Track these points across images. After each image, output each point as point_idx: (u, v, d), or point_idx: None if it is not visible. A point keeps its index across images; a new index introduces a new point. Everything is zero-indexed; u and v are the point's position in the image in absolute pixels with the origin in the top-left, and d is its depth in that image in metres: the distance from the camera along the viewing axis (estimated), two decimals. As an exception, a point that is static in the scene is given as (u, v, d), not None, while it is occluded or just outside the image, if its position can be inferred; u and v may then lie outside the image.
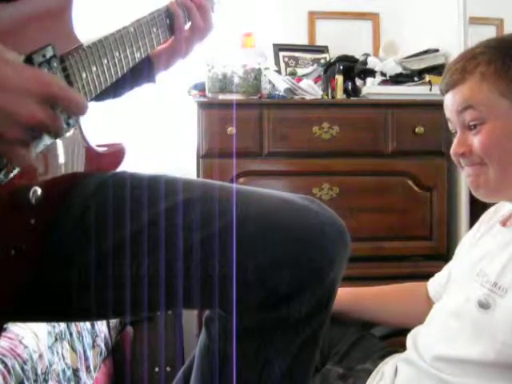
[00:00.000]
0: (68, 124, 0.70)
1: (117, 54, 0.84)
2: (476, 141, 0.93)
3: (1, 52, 0.60)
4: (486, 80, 0.92)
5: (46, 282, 0.76)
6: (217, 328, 0.82)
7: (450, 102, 0.97)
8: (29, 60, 0.67)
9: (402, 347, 1.07)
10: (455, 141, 0.98)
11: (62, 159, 0.77)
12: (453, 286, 1.05)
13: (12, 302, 0.74)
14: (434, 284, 1.19)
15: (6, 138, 0.58)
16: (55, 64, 0.71)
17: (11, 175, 0.66)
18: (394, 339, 1.26)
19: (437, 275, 1.20)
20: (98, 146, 0.87)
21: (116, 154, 0.91)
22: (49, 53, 0.70)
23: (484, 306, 0.89)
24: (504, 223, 1.01)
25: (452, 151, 0.98)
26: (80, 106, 0.63)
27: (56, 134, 0.64)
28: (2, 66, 0.58)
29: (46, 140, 0.66)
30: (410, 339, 1.04)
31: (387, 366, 1.05)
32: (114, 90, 0.93)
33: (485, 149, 0.93)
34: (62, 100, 0.61)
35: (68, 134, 0.76)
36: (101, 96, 0.85)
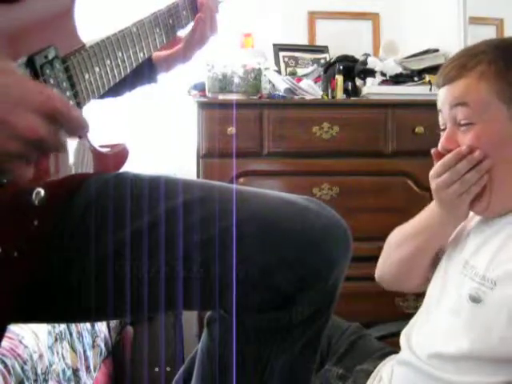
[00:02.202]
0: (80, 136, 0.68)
1: (120, 54, 0.84)
2: (466, 140, 0.92)
3: (4, 62, 0.59)
4: (484, 79, 0.90)
5: (47, 283, 0.76)
6: (218, 328, 0.82)
7: (444, 95, 0.95)
8: (31, 61, 0.67)
9: (398, 347, 1.07)
10: (444, 136, 0.95)
11: (66, 161, 0.77)
12: (443, 278, 1.02)
13: (14, 303, 0.74)
14: None
15: (3, 150, 0.56)
16: (57, 65, 0.71)
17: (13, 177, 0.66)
18: (392, 339, 1.26)
19: None
20: (101, 146, 0.87)
21: (119, 154, 0.91)
22: (51, 54, 0.70)
23: (475, 299, 0.88)
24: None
25: (440, 145, 0.96)
26: (81, 125, 0.61)
27: (56, 150, 0.62)
28: (4, 76, 0.57)
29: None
30: (403, 339, 1.03)
31: (385, 368, 1.05)
32: (115, 89, 0.93)
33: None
34: (63, 116, 0.59)
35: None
36: (101, 94, 0.85)
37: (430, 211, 1.04)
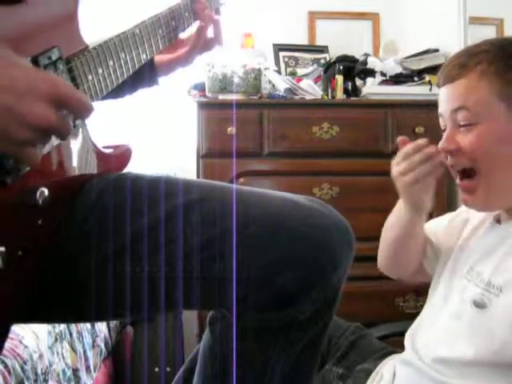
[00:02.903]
0: (74, 125, 0.70)
1: (123, 55, 0.84)
2: (466, 140, 0.92)
3: (9, 54, 0.59)
4: (484, 79, 0.91)
5: (49, 282, 0.76)
6: (220, 328, 0.82)
7: (445, 99, 0.96)
8: (35, 62, 0.67)
9: (400, 347, 1.07)
10: (444, 136, 0.96)
11: (70, 161, 0.78)
12: (447, 284, 1.02)
13: (18, 303, 0.74)
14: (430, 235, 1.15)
15: (15, 139, 0.57)
16: (61, 66, 0.71)
17: (19, 176, 0.66)
18: (392, 339, 1.26)
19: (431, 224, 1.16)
20: (104, 147, 0.88)
21: (122, 155, 0.91)
22: (54, 55, 0.70)
23: (480, 305, 0.89)
24: (497, 220, 1.00)
25: (440, 147, 0.97)
26: (87, 108, 0.63)
27: (64, 136, 0.63)
28: (10, 68, 0.58)
29: (53, 141, 0.66)
30: (407, 340, 1.04)
31: (386, 366, 1.05)
32: (116, 90, 0.94)
33: (473, 150, 0.92)
34: (70, 101, 0.61)
35: (74, 135, 0.76)
36: (103, 96, 0.85)
37: (399, 203, 1.08)
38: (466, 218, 1.09)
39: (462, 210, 1.11)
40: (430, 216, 1.12)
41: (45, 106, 0.58)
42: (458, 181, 0.98)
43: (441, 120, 0.99)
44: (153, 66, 1.04)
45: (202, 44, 1.04)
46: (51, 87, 0.59)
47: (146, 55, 0.91)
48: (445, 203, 2.21)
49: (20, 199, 0.68)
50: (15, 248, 0.68)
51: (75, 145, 0.78)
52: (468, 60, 0.93)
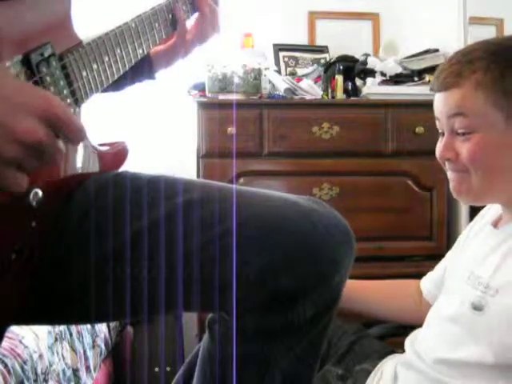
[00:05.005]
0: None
1: (118, 50, 0.81)
2: (464, 149, 0.92)
3: (4, 68, 0.58)
4: (481, 89, 0.90)
5: (46, 284, 0.76)
6: (219, 331, 0.82)
7: (442, 104, 0.96)
8: (26, 59, 0.66)
9: (399, 347, 1.07)
10: (442, 144, 0.96)
11: (64, 160, 0.76)
12: (447, 289, 1.04)
13: (14, 306, 0.73)
14: (427, 284, 1.19)
15: (1, 155, 0.55)
16: (54, 62, 0.69)
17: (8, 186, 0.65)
18: (390, 339, 1.26)
19: (429, 274, 1.20)
20: (100, 145, 0.87)
21: (118, 153, 0.90)
22: (47, 51, 0.68)
23: (478, 307, 0.89)
24: (495, 224, 1.01)
25: (438, 154, 0.97)
26: (79, 132, 0.61)
27: (54, 159, 0.61)
28: (5, 81, 0.57)
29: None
30: (408, 343, 1.04)
31: (386, 366, 1.05)
32: (114, 84, 0.92)
33: (472, 159, 0.92)
34: (63, 124, 0.58)
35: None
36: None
37: None
38: (469, 229, 1.10)
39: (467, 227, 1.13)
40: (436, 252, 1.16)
41: (36, 122, 0.56)
42: (449, 174, 0.98)
43: (437, 123, 0.99)
44: (150, 59, 1.03)
45: (199, 33, 1.03)
46: (45, 105, 0.57)
47: (143, 50, 0.88)
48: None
49: (13, 201, 0.66)
50: (9, 251, 0.68)
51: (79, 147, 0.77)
52: (463, 68, 0.92)
